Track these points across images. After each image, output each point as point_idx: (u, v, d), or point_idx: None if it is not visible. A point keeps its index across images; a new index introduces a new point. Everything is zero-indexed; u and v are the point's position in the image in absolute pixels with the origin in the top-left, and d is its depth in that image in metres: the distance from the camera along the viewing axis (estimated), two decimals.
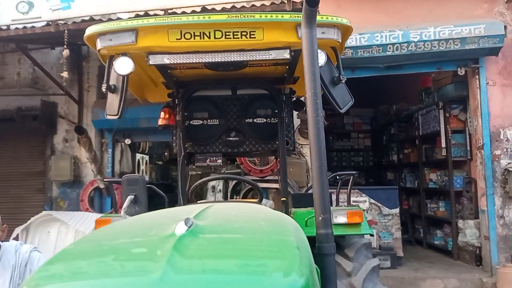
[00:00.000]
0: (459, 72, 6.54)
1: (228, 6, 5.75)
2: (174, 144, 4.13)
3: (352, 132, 12.05)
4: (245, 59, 3.04)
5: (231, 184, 6.84)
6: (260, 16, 2.98)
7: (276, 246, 1.34)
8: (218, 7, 5.71)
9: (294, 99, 4.31)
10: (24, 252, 2.78)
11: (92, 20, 5.64)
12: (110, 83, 3.10)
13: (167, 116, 4.04)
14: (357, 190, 7.07)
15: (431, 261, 7.33)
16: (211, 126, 4.12)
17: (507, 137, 6.48)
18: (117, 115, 3.23)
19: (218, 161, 4.14)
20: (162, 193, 3.86)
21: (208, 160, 4.13)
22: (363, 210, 3.47)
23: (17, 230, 6.19)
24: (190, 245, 1.25)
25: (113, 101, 3.21)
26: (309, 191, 4.33)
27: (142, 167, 9.08)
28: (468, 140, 7.09)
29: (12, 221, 5.70)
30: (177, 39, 2.91)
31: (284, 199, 3.93)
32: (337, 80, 3.09)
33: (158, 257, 1.19)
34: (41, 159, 7.72)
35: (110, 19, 5.34)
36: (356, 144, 12.05)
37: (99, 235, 1.74)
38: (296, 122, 6.22)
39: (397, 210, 7.15)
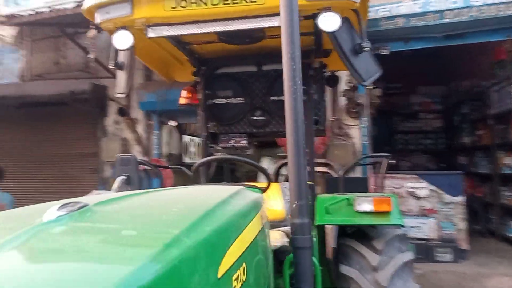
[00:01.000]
0: None
1: None
2: (197, 124, 3.98)
3: (420, 112, 11.21)
4: (247, 27, 2.73)
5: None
6: None
7: (128, 251, 1.01)
8: None
9: (329, 74, 3.95)
10: None
11: None
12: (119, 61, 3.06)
13: (190, 95, 3.90)
14: (415, 176, 6.44)
15: (502, 256, 6.51)
16: (235, 105, 3.89)
17: None
18: (124, 93, 3.21)
19: (242, 141, 3.92)
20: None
21: (233, 141, 3.92)
22: (395, 197, 3.02)
23: None
24: (39, 234, 1.02)
25: (121, 79, 3.16)
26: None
27: (192, 149, 9.03)
28: None
29: None
30: (172, 7, 2.71)
31: (311, 183, 3.59)
32: (359, 48, 2.70)
33: None
34: (93, 140, 7.97)
35: None
36: (425, 125, 11.22)
37: None
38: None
39: (460, 198, 6.40)
